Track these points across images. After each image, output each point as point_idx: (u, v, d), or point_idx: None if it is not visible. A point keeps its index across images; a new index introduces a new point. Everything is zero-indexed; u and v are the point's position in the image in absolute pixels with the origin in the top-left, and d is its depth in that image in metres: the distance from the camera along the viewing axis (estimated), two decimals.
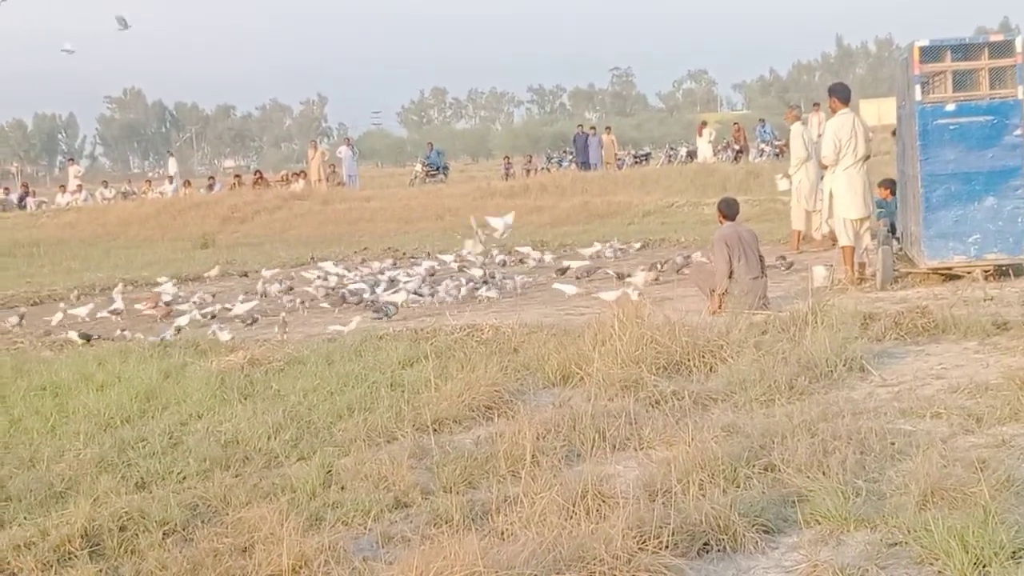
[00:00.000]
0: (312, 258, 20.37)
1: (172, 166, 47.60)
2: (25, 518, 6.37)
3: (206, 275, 19.12)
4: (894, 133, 14.85)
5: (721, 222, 12.34)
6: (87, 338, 12.61)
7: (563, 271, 16.25)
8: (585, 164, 39.47)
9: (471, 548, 4.89)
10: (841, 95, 13.29)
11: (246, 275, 18.84)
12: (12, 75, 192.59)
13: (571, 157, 44.70)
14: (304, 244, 25.06)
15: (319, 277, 16.36)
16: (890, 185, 14.94)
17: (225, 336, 11.74)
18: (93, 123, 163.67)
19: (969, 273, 12.29)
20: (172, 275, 18.65)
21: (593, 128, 44.46)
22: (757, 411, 7.37)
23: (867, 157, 13.31)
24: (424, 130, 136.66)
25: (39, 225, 34.48)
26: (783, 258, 15.33)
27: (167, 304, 15.26)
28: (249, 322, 13.32)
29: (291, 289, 15.98)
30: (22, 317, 14.44)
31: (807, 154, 17.95)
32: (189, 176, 61.04)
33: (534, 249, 18.95)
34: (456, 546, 4.93)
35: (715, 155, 39.23)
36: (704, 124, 42.53)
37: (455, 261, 17.72)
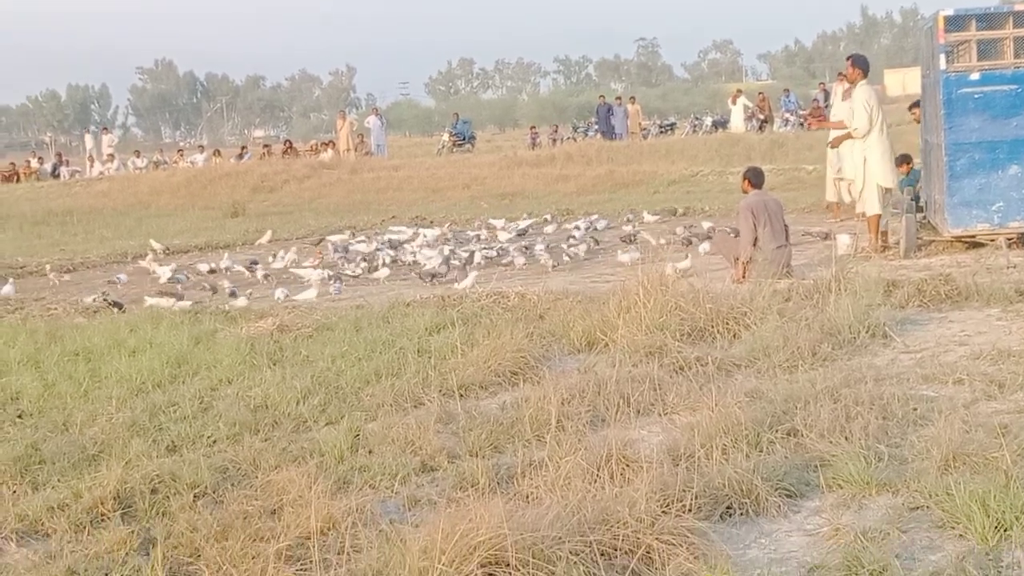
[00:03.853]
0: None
1: (106, 142, 48.45)
2: (59, 480, 6.44)
3: (258, 242, 19.18)
4: (911, 108, 14.87)
5: (747, 190, 12.33)
6: (119, 306, 12.50)
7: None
8: (608, 134, 39.33)
9: (496, 511, 4.91)
10: (864, 66, 13.31)
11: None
12: (45, 46, 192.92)
13: (596, 127, 44.56)
14: (332, 212, 25.14)
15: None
16: (904, 161, 14.99)
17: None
18: (125, 94, 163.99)
19: (992, 241, 12.27)
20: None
21: (619, 99, 44.33)
22: (780, 377, 7.39)
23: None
24: (451, 100, 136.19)
25: (72, 194, 34.72)
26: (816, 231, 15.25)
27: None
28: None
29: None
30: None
31: None
32: (220, 146, 61.55)
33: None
34: (481, 509, 4.95)
35: (746, 124, 38.87)
36: (740, 92, 42.16)
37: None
